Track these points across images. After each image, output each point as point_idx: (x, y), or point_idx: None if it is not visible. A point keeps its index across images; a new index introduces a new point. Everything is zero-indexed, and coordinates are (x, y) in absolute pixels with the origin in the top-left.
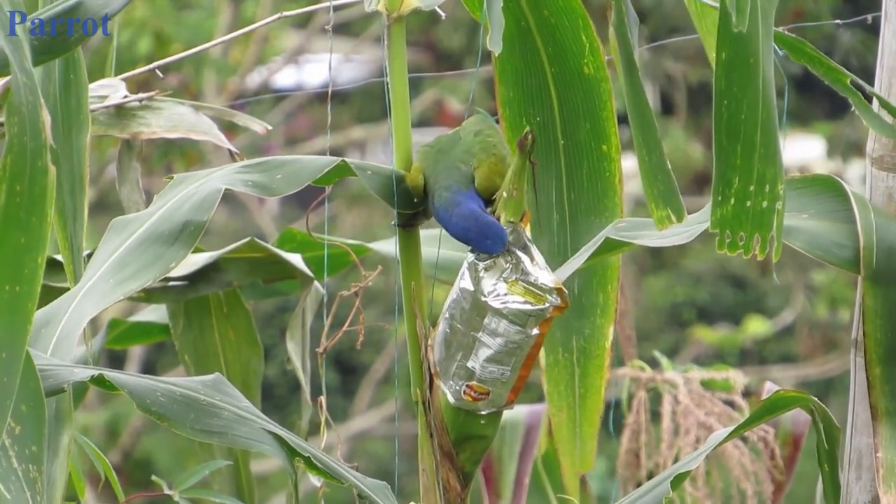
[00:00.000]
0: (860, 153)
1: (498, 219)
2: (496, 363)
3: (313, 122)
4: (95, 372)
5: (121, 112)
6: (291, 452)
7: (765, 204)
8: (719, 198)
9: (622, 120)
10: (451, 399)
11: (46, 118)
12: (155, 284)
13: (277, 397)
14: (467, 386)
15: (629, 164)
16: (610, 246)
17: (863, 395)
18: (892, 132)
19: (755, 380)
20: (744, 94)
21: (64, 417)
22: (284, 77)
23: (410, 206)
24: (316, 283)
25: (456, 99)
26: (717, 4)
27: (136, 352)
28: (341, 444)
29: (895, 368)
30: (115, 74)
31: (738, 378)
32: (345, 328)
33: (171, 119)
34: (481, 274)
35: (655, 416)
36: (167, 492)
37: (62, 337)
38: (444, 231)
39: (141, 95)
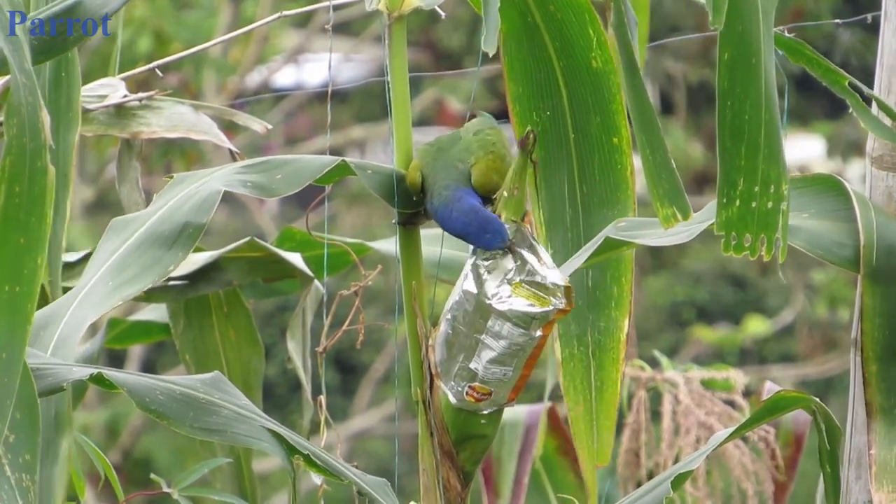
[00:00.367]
0: (860, 152)
1: (498, 217)
2: (499, 364)
3: (313, 121)
4: (94, 370)
5: (121, 111)
6: (290, 450)
7: (770, 204)
8: (724, 199)
9: (627, 116)
10: (452, 399)
11: (46, 118)
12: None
13: (278, 396)
14: (469, 387)
15: (634, 161)
16: (609, 245)
17: (862, 395)
18: (891, 135)
19: (755, 379)
20: (747, 95)
21: (63, 422)
22: (284, 76)
23: (411, 205)
24: (316, 282)
25: (456, 98)
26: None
27: (135, 351)
28: (341, 443)
29: (891, 366)
30: (115, 74)
31: (738, 378)
32: (344, 327)
33: (171, 118)
34: (484, 276)
35: (655, 415)
36: (166, 490)
37: (61, 339)
38: (444, 231)
39: (141, 95)
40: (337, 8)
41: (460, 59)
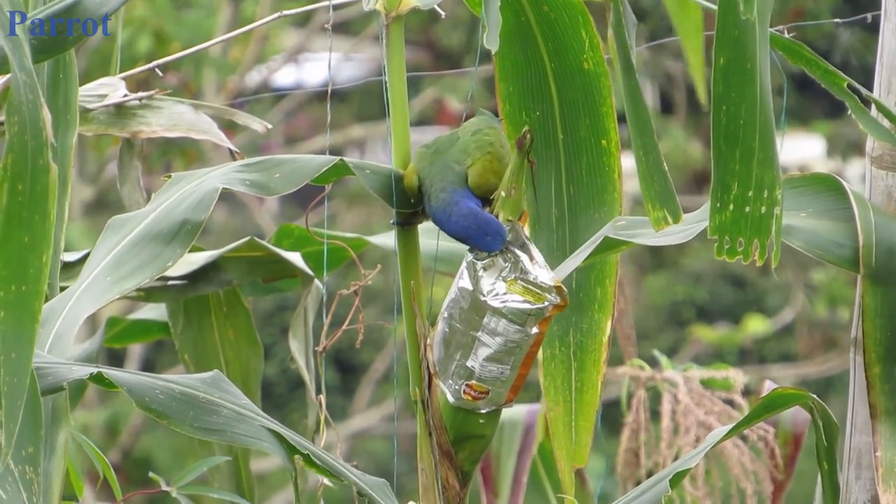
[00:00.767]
0: (860, 152)
1: (496, 217)
2: (496, 362)
3: (313, 120)
4: (94, 370)
5: (121, 111)
6: (290, 450)
7: (763, 209)
8: (718, 204)
9: (621, 118)
10: (450, 398)
11: (47, 116)
12: (155, 283)
13: (277, 396)
14: (467, 385)
15: (628, 162)
16: (609, 244)
17: (862, 394)
18: (889, 137)
19: (754, 379)
20: (742, 99)
21: (61, 415)
22: (284, 76)
23: (409, 205)
24: (316, 281)
25: (455, 98)
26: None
27: (135, 350)
28: (341, 442)
29: (894, 367)
30: (115, 74)
31: (737, 377)
32: (344, 327)
33: (171, 118)
34: (480, 273)
35: (655, 414)
36: (165, 488)
37: (59, 335)
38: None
39: (141, 94)
40: (336, 7)
41: (459, 58)
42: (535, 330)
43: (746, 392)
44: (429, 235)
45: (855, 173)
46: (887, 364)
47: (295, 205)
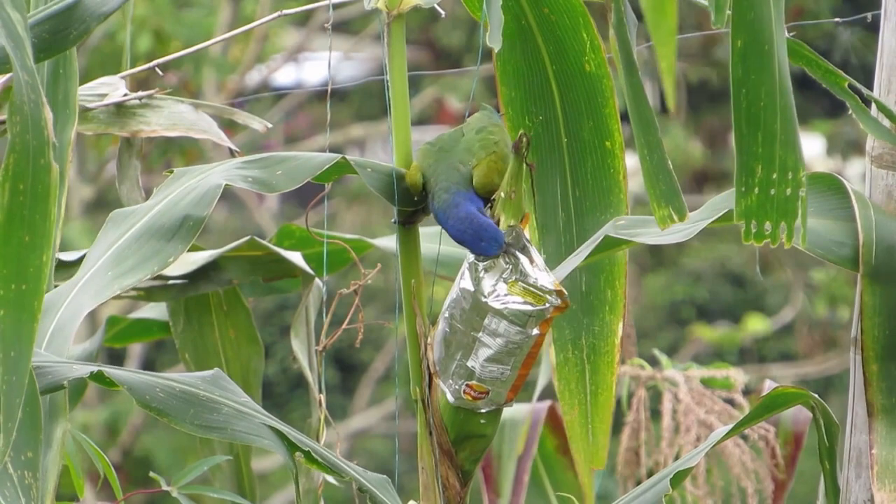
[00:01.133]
0: (860, 151)
1: (497, 220)
2: (496, 363)
3: (313, 120)
4: (95, 368)
5: (120, 110)
6: (291, 447)
7: (788, 191)
8: (743, 188)
9: (623, 118)
10: (450, 398)
11: (49, 116)
12: (155, 283)
13: (277, 395)
14: (467, 385)
15: (630, 162)
16: (609, 244)
17: (862, 394)
18: (890, 136)
19: (754, 378)
20: (761, 82)
21: (58, 410)
22: (284, 75)
23: (410, 203)
24: (317, 279)
25: (455, 97)
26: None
27: (135, 350)
28: (341, 441)
29: (892, 365)
30: (115, 72)
31: (738, 376)
32: (344, 326)
33: (171, 117)
34: (481, 274)
35: (655, 414)
36: (165, 488)
37: (57, 329)
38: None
39: (141, 93)
40: (336, 6)
41: (460, 57)
42: (535, 331)
43: (747, 391)
44: (430, 239)
45: (855, 172)
46: (885, 362)
47: (295, 204)
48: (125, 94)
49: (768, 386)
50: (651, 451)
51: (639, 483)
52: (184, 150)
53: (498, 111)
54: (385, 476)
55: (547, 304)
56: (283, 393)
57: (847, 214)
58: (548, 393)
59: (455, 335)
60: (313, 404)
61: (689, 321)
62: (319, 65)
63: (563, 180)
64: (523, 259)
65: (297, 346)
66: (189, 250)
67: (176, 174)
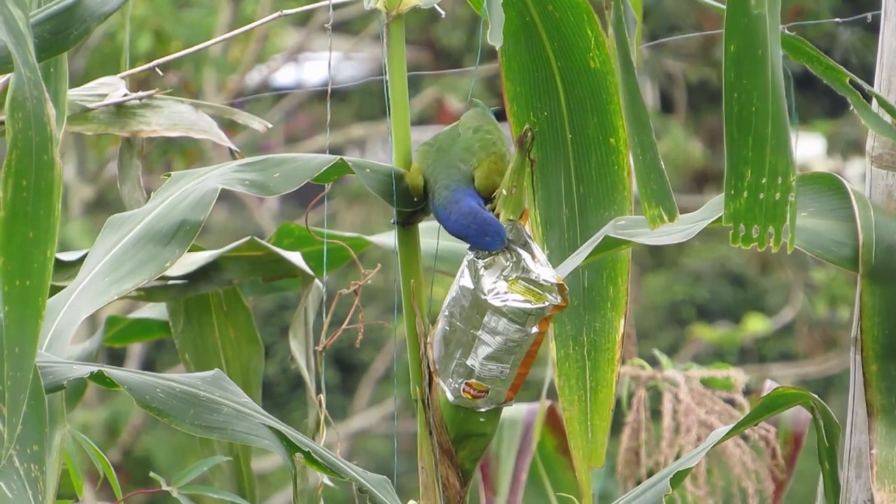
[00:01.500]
0: (860, 151)
1: (497, 216)
2: (496, 361)
3: (313, 120)
4: (95, 368)
5: (121, 110)
6: (291, 447)
7: (778, 196)
8: (732, 191)
9: None
10: (450, 397)
11: (51, 112)
12: (155, 283)
13: (277, 395)
14: (466, 384)
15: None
16: (609, 244)
17: (862, 394)
18: (891, 132)
19: (755, 378)
20: (753, 86)
21: (56, 416)
22: (284, 75)
23: (409, 204)
24: (316, 280)
25: (455, 97)
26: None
27: (135, 350)
28: (341, 442)
29: (892, 365)
30: (116, 73)
31: (738, 376)
32: (344, 326)
33: (171, 117)
34: (481, 272)
35: (656, 414)
36: (165, 488)
37: (57, 333)
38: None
39: (141, 94)
40: (336, 7)
41: (460, 57)
42: (535, 329)
43: (747, 391)
44: (429, 235)
45: (855, 172)
46: (885, 362)
47: (295, 204)
48: (125, 95)
49: (768, 386)
50: (651, 451)
51: (639, 483)
52: (184, 151)
53: (492, 108)
54: (385, 477)
55: (547, 303)
56: (283, 393)
57: (847, 214)
58: (553, 392)
59: (455, 333)
60: (310, 405)
61: (690, 321)
62: (319, 65)
63: (567, 176)
64: (525, 255)
65: (296, 346)
66: (189, 250)
67: (173, 178)
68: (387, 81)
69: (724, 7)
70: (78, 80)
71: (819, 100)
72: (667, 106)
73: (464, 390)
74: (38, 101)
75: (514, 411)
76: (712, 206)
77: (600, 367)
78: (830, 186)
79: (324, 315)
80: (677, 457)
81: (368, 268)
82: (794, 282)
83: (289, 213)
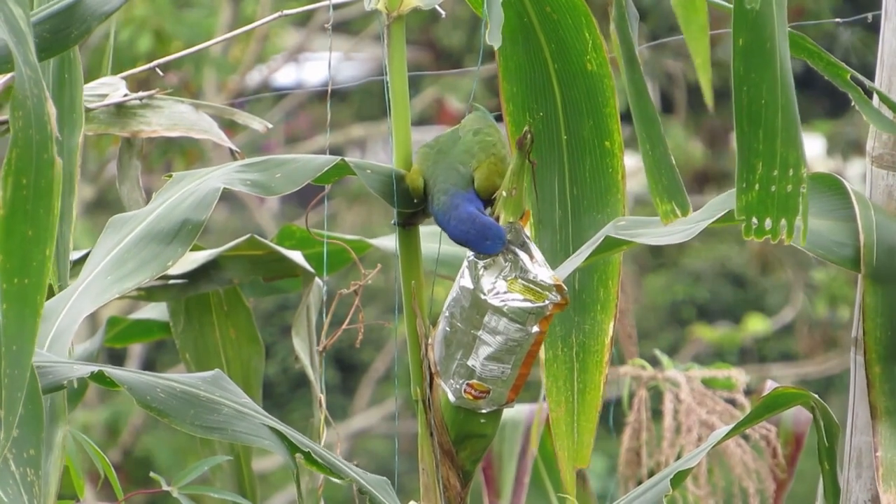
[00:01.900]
0: (860, 151)
1: (497, 218)
2: (496, 361)
3: (313, 120)
4: (95, 368)
5: (121, 110)
6: (292, 448)
7: (789, 188)
8: (744, 184)
9: (624, 117)
10: (451, 397)
11: (52, 110)
12: (155, 282)
13: (278, 395)
14: (468, 384)
15: (630, 161)
16: (610, 244)
17: (863, 394)
18: (893, 128)
19: (755, 378)
20: (762, 79)
21: (58, 414)
22: (284, 75)
23: (410, 205)
24: (317, 279)
25: (456, 97)
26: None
27: (135, 350)
28: (341, 442)
29: (895, 367)
30: (115, 73)
31: (739, 376)
32: (344, 326)
33: (172, 117)
34: (481, 272)
35: (656, 414)
36: (166, 488)
37: (58, 333)
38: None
39: (141, 94)
40: (337, 7)
41: (460, 58)
42: (535, 329)
43: (747, 391)
44: (430, 239)
45: (855, 172)
46: (888, 363)
47: (295, 204)
48: (125, 95)
49: (769, 386)
50: (652, 451)
51: (640, 483)
52: (184, 151)
53: (494, 113)
54: (384, 477)
55: (546, 302)
56: (283, 393)
57: (848, 215)
58: None
59: (455, 334)
60: (315, 403)
61: (690, 321)
62: (320, 65)
63: (561, 178)
64: (523, 255)
65: (299, 344)
66: (190, 249)
67: (175, 178)
68: (387, 82)
69: (728, 5)
70: (83, 85)
71: (820, 100)
72: (667, 106)
73: (465, 391)
74: (38, 100)
75: (516, 413)
76: (713, 206)
77: (588, 369)
78: (831, 186)
79: (324, 315)
80: (678, 457)
81: (369, 268)
82: (794, 282)
83: (289, 213)
